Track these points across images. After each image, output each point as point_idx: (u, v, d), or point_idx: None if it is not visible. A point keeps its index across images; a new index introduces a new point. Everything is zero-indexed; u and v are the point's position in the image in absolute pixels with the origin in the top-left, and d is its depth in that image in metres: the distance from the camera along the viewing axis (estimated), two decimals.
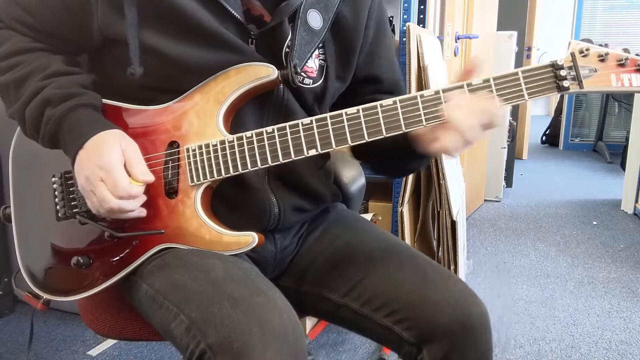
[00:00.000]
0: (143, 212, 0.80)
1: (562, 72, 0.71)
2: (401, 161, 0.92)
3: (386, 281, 0.85)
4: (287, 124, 0.76)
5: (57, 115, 0.78)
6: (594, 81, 0.72)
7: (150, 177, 0.79)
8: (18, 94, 0.81)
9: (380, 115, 0.74)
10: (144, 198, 0.79)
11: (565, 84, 0.71)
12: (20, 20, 0.83)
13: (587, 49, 0.72)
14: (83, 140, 0.77)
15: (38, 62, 0.82)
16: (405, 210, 1.87)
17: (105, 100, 0.84)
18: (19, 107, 0.81)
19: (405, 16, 1.83)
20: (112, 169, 0.75)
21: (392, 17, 1.95)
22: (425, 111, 0.73)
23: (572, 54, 0.72)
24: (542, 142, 6.11)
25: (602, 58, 0.72)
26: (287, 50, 0.82)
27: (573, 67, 0.72)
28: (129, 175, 0.77)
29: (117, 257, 0.83)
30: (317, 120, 0.76)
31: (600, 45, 0.73)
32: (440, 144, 0.73)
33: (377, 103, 0.74)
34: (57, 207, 0.87)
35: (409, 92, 1.76)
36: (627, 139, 4.30)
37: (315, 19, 0.84)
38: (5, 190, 1.92)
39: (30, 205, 0.91)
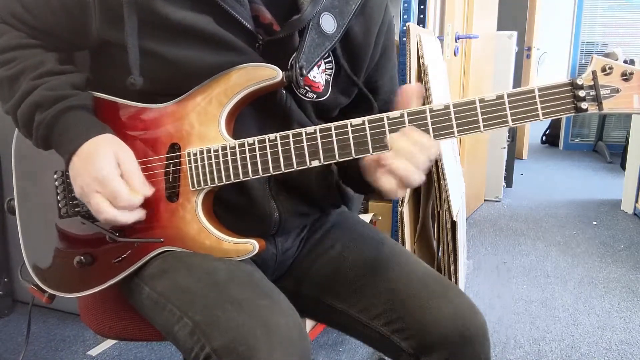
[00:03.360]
0: (141, 212, 0.79)
1: (581, 93, 0.66)
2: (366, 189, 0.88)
3: (386, 289, 0.84)
4: (290, 132, 0.75)
5: (47, 119, 0.78)
6: (615, 102, 0.67)
7: (148, 190, 0.78)
8: (11, 92, 0.80)
9: (387, 128, 0.72)
10: (140, 211, 0.78)
11: (584, 105, 0.66)
12: (17, 16, 0.82)
13: (611, 67, 0.67)
14: (75, 146, 0.76)
15: (32, 59, 0.81)
16: (405, 210, 1.87)
17: (105, 96, 0.84)
18: (11, 106, 0.80)
19: (405, 16, 1.83)
20: (110, 181, 0.74)
21: (392, 17, 1.95)
22: (433, 126, 0.71)
23: (594, 72, 0.67)
24: (542, 142, 6.11)
25: (626, 77, 0.66)
26: (292, 61, 0.80)
27: (593, 87, 0.67)
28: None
29: (119, 258, 0.83)
30: (321, 130, 0.74)
31: (626, 61, 0.68)
32: (379, 185, 0.73)
33: (384, 115, 0.72)
34: (59, 205, 0.87)
35: None
36: (627, 139, 4.30)
37: (328, 23, 0.82)
38: (6, 183, 1.93)
39: (34, 200, 0.91)
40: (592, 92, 0.67)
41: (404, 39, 1.78)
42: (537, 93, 0.68)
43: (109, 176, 0.74)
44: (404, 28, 1.79)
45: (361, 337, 0.89)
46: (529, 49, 4.75)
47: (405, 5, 1.83)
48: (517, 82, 3.89)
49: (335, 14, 0.83)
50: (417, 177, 0.70)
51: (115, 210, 0.74)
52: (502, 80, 3.49)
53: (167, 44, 0.77)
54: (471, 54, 2.98)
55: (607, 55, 0.70)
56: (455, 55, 2.74)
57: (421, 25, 1.98)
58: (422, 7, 1.97)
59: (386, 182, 0.72)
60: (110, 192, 0.74)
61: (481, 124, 0.69)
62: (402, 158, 0.70)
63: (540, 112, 0.68)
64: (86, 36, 0.81)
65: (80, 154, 0.76)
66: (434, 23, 2.38)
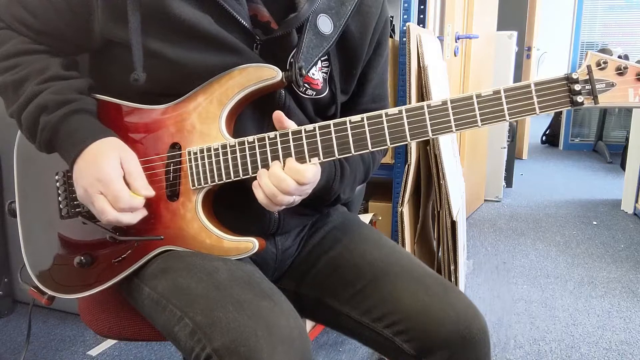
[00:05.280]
0: (144, 212, 0.80)
1: (577, 87, 0.67)
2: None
3: (387, 291, 0.84)
4: (289, 130, 0.75)
5: (52, 122, 0.78)
6: (611, 96, 0.68)
7: (151, 192, 0.79)
8: (16, 96, 0.81)
9: (385, 124, 0.73)
10: (143, 211, 0.79)
11: (580, 99, 0.67)
12: (22, 20, 0.83)
13: (605, 62, 0.68)
14: (80, 150, 0.77)
15: (36, 64, 0.82)
16: (405, 210, 1.87)
17: (106, 98, 0.84)
18: (16, 109, 0.81)
19: (405, 16, 1.83)
20: (112, 182, 0.75)
21: (392, 17, 1.95)
22: (432, 122, 0.71)
23: (589, 67, 0.68)
24: (542, 142, 6.11)
25: (621, 71, 0.68)
26: (291, 60, 0.80)
27: (589, 81, 0.68)
28: (130, 188, 0.76)
29: (119, 258, 0.83)
30: (321, 128, 0.75)
31: (620, 57, 0.69)
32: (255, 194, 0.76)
33: (383, 112, 0.73)
34: (60, 205, 0.87)
35: (409, 93, 1.77)
36: (627, 139, 4.30)
37: (325, 24, 0.83)
38: (6, 185, 1.93)
39: (35, 202, 0.91)
40: (588, 86, 0.68)
41: (404, 39, 1.78)
42: (533, 88, 0.69)
43: (112, 178, 0.75)
44: (404, 28, 1.79)
45: (362, 339, 0.89)
46: (529, 49, 4.75)
47: (405, 5, 1.83)
48: (517, 82, 3.88)
49: (332, 15, 0.84)
50: (283, 199, 0.74)
51: (117, 212, 0.75)
52: (502, 81, 3.50)
53: (170, 44, 0.77)
54: (471, 54, 2.98)
55: (602, 51, 0.71)
56: (455, 55, 2.74)
57: (421, 25, 1.98)
58: (422, 7, 1.97)
59: (257, 194, 0.76)
60: (112, 193, 0.74)
61: (478, 119, 0.70)
62: (268, 177, 0.74)
63: (536, 106, 0.69)
64: (89, 36, 0.82)
65: (85, 157, 0.77)
66: (434, 23, 2.38)
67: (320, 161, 0.75)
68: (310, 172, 0.74)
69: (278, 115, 0.75)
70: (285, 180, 0.73)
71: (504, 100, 0.69)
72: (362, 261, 0.90)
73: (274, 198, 0.74)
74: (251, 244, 0.79)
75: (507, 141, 3.64)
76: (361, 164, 0.94)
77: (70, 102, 0.79)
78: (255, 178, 0.79)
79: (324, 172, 0.83)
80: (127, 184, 0.77)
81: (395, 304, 0.83)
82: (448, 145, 1.97)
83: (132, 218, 0.77)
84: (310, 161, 0.75)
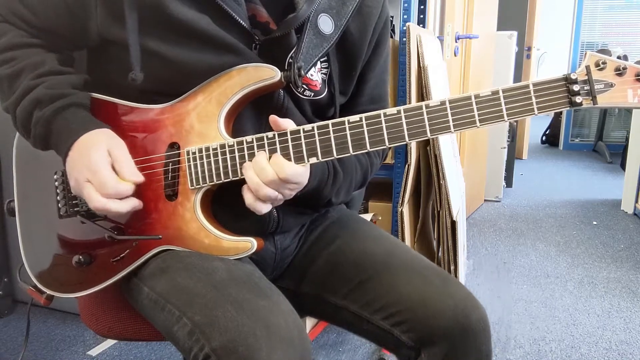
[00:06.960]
0: (134, 202, 0.79)
1: (575, 87, 0.67)
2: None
3: (386, 284, 0.85)
4: (288, 130, 0.75)
5: (45, 116, 0.78)
6: (610, 96, 0.68)
7: (139, 178, 0.78)
8: (11, 90, 0.81)
9: (384, 124, 0.72)
10: (133, 201, 0.78)
11: (578, 99, 0.67)
12: (19, 15, 0.83)
13: (604, 62, 0.68)
14: (71, 142, 0.77)
15: (32, 59, 0.82)
16: (405, 210, 1.87)
17: (105, 97, 0.84)
18: (11, 104, 0.81)
19: (405, 16, 1.83)
20: (99, 169, 0.75)
21: (392, 17, 1.95)
22: (430, 122, 0.71)
23: (587, 67, 0.68)
24: (542, 142, 6.11)
25: (620, 72, 0.68)
26: (290, 60, 0.80)
27: (587, 81, 0.68)
28: (118, 175, 0.76)
29: (117, 257, 0.83)
30: (319, 127, 0.74)
31: (619, 57, 0.69)
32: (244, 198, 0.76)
33: (381, 112, 0.73)
34: (59, 204, 0.87)
35: (409, 93, 1.77)
36: (627, 139, 4.30)
37: (326, 24, 0.83)
38: (6, 185, 1.93)
39: (34, 201, 0.91)
40: (586, 87, 0.68)
41: (404, 39, 1.78)
42: (531, 88, 0.69)
43: (99, 166, 0.75)
44: (404, 28, 1.79)
45: (361, 332, 0.89)
46: (529, 49, 4.76)
47: (405, 5, 1.83)
48: (517, 82, 3.88)
49: (333, 15, 0.83)
50: (266, 192, 0.73)
51: (104, 199, 0.75)
52: (502, 81, 3.50)
53: (168, 43, 0.77)
54: (471, 54, 2.98)
55: (601, 51, 0.71)
56: (455, 55, 2.74)
57: (421, 25, 1.98)
58: (422, 7, 1.98)
59: (245, 196, 0.75)
60: (98, 180, 0.74)
61: (477, 120, 0.70)
62: (252, 170, 0.74)
63: (535, 106, 0.69)
64: (86, 34, 0.82)
65: (76, 148, 0.77)
66: (434, 23, 2.38)
67: (318, 161, 0.75)
68: (290, 169, 0.74)
69: (273, 118, 0.75)
70: (265, 170, 0.73)
71: (502, 100, 0.69)
72: (362, 256, 0.90)
73: (256, 192, 0.74)
74: (249, 243, 0.79)
75: (507, 141, 3.64)
76: (359, 169, 0.93)
77: (64, 96, 0.79)
78: None
79: (315, 176, 0.83)
80: (116, 172, 0.76)
81: (394, 295, 0.83)
82: (448, 146, 1.97)
83: (120, 206, 0.76)
84: (308, 161, 0.75)
